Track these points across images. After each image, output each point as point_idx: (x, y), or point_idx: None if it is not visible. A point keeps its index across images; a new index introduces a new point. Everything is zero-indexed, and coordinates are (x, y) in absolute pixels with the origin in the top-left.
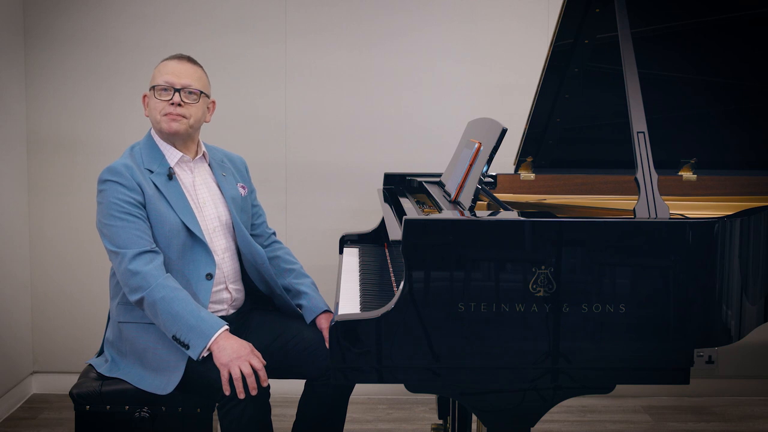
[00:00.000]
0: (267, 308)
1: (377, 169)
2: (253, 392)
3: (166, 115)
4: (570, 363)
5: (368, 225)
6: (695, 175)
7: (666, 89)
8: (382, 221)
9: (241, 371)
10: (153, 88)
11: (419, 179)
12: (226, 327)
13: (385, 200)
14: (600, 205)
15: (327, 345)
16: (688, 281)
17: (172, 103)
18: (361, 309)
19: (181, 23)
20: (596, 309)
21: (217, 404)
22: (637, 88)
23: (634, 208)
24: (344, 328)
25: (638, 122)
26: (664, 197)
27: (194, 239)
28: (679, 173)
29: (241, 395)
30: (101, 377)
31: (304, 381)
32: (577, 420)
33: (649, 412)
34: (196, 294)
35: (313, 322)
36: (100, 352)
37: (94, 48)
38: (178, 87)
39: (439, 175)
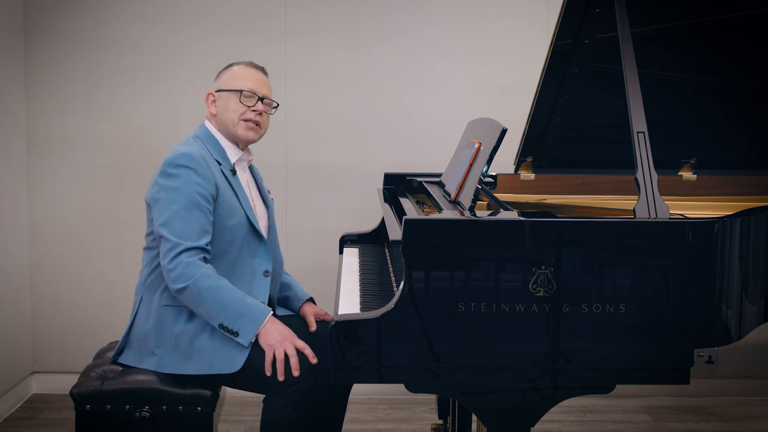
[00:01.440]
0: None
1: (377, 169)
2: (296, 373)
3: (245, 120)
4: (570, 363)
5: (368, 225)
6: (695, 175)
7: (666, 89)
8: (382, 221)
9: (285, 354)
10: (234, 91)
11: (419, 179)
12: (272, 311)
13: (385, 200)
14: (600, 205)
15: (311, 329)
16: (688, 281)
17: (254, 110)
18: (361, 309)
19: (181, 23)
20: (596, 309)
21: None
22: (637, 88)
23: (634, 208)
24: (344, 328)
25: (638, 122)
26: (664, 197)
27: (255, 235)
28: (679, 173)
29: (281, 377)
30: (108, 377)
31: None
32: (577, 420)
33: (649, 412)
34: (251, 290)
35: (299, 311)
36: (121, 349)
37: (94, 48)
38: (260, 96)
39: (439, 175)
